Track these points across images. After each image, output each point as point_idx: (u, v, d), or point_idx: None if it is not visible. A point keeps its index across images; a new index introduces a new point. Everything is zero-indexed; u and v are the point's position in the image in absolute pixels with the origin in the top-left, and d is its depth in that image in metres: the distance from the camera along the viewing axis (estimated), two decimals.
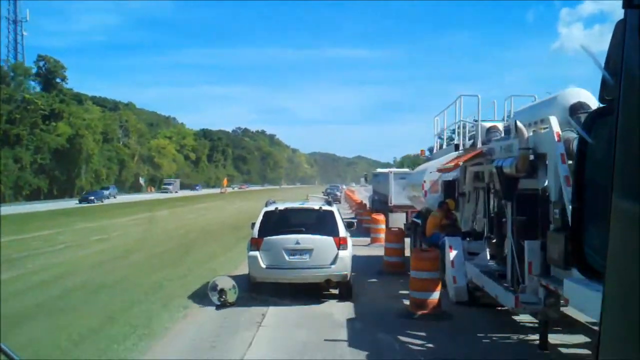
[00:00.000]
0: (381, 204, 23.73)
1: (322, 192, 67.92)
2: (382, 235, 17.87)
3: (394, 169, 22.47)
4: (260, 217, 10.70)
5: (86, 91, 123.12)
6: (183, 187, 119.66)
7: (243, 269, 12.34)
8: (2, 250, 16.55)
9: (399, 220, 19.96)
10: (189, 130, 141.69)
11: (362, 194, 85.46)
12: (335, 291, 10.70)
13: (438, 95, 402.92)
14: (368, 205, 28.36)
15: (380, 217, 19.29)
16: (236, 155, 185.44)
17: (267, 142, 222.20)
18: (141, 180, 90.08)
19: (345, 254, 10.32)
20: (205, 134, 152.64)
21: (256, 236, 10.41)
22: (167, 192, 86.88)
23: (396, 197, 20.44)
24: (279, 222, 10.68)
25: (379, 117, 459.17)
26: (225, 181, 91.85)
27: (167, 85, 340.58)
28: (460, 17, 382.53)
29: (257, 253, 10.25)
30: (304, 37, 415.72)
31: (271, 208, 10.92)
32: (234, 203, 59.47)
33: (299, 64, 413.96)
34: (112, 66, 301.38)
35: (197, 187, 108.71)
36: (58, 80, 73.98)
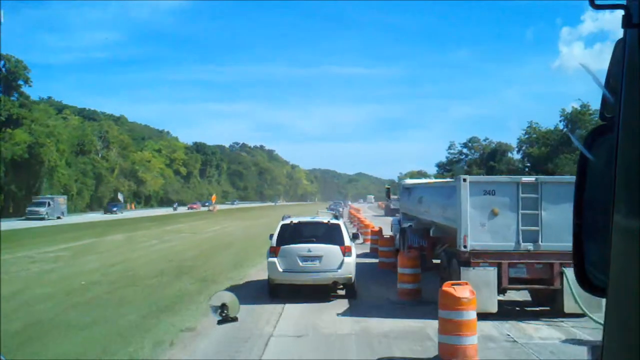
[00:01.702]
0: (423, 239, 13.91)
1: (326, 208, 67.96)
2: (474, 342, 7.48)
3: (468, 176, 10.67)
4: (278, 229, 12.40)
5: (85, 107, 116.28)
6: (171, 204, 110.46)
7: None
8: None
9: (484, 283, 9.54)
10: (180, 143, 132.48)
11: (367, 212, 76.00)
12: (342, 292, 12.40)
13: (439, 112, 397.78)
14: (396, 241, 16.99)
15: (467, 294, 7.58)
16: (232, 171, 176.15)
17: (265, 158, 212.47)
18: (120, 197, 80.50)
19: (350, 260, 11.98)
20: (198, 147, 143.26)
21: (274, 245, 12.15)
22: (38, 218, 51.35)
23: (476, 233, 9.82)
24: (293, 233, 12.32)
25: (380, 134, 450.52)
26: (214, 198, 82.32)
27: (166, 102, 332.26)
28: (461, 34, 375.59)
29: (275, 259, 11.99)
30: (304, 54, 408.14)
31: (287, 221, 12.63)
32: (218, 223, 50.05)
33: (300, 81, 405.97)
34: (112, 82, 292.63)
35: (115, 208, 71.18)
36: (20, 82, 64.76)
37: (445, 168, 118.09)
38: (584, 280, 1.39)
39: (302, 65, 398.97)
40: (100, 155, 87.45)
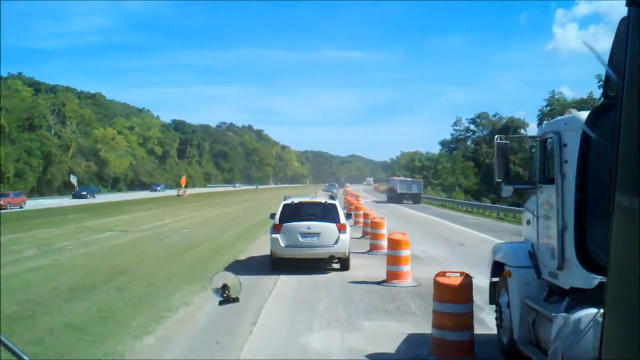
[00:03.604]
0: None
1: (322, 190, 66.06)
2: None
3: None
4: (280, 208, 13.14)
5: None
6: (143, 187, 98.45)
7: None
8: None
9: None
10: (155, 120, 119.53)
11: (365, 197, 64.19)
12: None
13: (431, 96, 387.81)
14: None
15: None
16: (217, 151, 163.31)
17: (253, 138, 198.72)
18: (73, 180, 68.11)
19: (345, 237, 12.77)
20: (177, 125, 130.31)
21: (277, 222, 12.86)
22: None
23: None
24: (294, 212, 13.17)
25: (373, 118, 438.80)
26: (183, 180, 70.02)
27: (156, 86, 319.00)
28: (455, 19, 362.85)
29: (278, 235, 12.70)
30: (298, 39, 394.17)
31: (288, 201, 13.53)
32: (174, 214, 38.21)
33: (293, 66, 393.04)
34: (106, 67, 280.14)
35: None
36: None
37: (450, 146, 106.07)
38: (585, 259, 1.33)
39: (295, 50, 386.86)
40: (52, 132, 74.84)
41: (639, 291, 1.00)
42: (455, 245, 18.83)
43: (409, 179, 59.91)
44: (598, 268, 1.40)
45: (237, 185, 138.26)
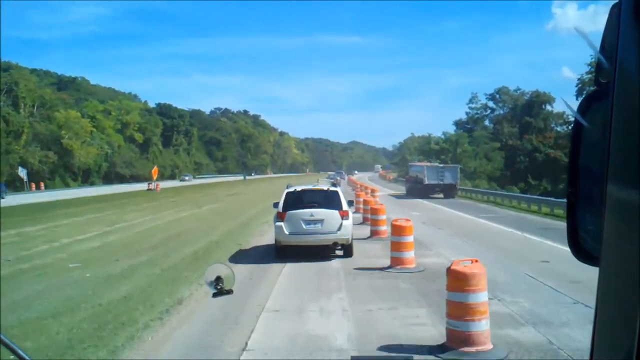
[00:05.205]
0: None
1: (326, 178, 64.94)
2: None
3: None
4: (284, 197, 13.62)
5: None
6: (122, 179, 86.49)
7: None
8: None
9: None
10: (134, 103, 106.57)
11: (383, 189, 52.09)
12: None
13: (431, 81, 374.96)
14: None
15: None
16: (209, 139, 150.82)
17: (249, 123, 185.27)
18: (21, 173, 56.01)
19: (348, 223, 13.27)
20: (161, 109, 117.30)
21: (281, 210, 13.32)
22: None
23: None
24: (297, 199, 13.58)
25: (374, 103, 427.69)
26: (154, 172, 58.14)
27: (157, 75, 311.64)
28: (453, 1, 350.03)
29: (282, 223, 13.19)
30: (296, 25, 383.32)
31: (291, 190, 13.89)
32: (113, 223, 26.82)
33: (291, 53, 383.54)
34: (103, 57, 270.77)
35: None
36: None
37: (466, 126, 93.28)
38: (577, 249, 1.34)
39: (294, 37, 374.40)
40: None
41: (631, 284, 1.00)
42: None
43: (440, 165, 45.75)
44: (591, 258, 1.19)
45: (186, 177, 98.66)
